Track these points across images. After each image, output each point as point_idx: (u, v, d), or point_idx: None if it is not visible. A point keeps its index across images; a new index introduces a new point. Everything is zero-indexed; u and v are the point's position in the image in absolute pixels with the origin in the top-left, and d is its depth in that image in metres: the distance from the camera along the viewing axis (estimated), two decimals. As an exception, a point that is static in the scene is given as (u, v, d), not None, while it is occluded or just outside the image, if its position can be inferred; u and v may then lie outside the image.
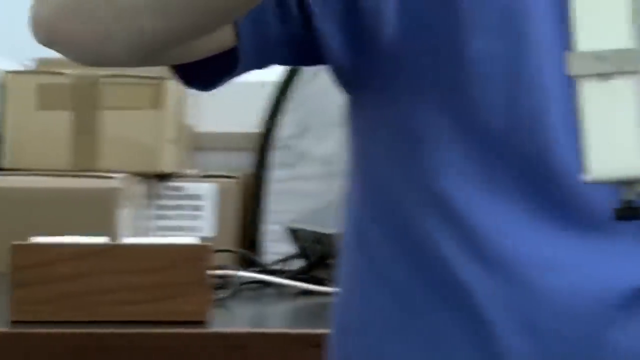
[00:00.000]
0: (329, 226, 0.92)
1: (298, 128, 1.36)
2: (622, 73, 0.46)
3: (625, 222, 0.48)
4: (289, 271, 1.19)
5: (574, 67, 0.47)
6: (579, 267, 0.63)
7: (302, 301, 1.14)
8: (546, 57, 0.63)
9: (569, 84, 0.48)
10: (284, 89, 1.38)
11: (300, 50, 0.67)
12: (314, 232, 1.17)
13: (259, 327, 1.09)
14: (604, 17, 0.46)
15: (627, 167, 0.46)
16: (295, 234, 1.21)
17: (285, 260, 1.23)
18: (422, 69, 0.65)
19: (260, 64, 0.68)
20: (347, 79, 0.68)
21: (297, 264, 1.20)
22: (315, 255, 1.16)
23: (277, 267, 1.22)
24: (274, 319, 1.19)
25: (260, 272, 1.18)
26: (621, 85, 0.46)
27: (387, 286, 0.68)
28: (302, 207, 1.30)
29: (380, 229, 0.68)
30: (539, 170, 0.63)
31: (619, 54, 0.46)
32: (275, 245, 1.31)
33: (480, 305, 0.63)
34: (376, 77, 0.67)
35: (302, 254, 1.20)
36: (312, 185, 1.34)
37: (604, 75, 0.46)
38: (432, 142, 0.65)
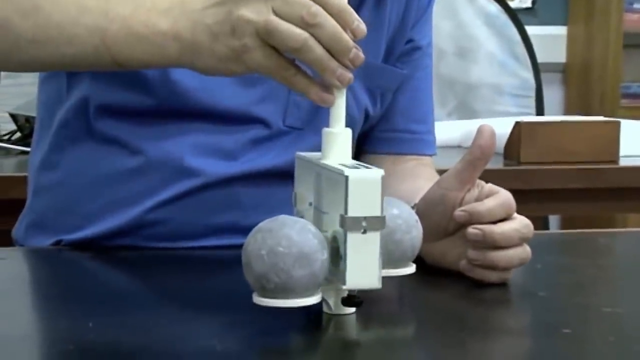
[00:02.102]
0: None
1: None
2: (373, 230, 0.73)
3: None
4: (11, 140, 1.94)
5: (347, 225, 0.72)
6: None
7: (21, 157, 1.78)
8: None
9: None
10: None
11: None
12: (26, 116, 1.89)
13: None
14: (366, 196, 0.72)
15: (370, 281, 0.74)
16: (14, 117, 1.94)
17: (10, 134, 1.96)
18: None
19: None
20: None
21: (16, 135, 1.95)
22: (27, 130, 1.91)
23: (5, 138, 1.94)
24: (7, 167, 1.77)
25: (-7, 141, 1.88)
26: (372, 236, 0.73)
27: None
28: (19, 101, 2.02)
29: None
30: None
31: (372, 219, 0.73)
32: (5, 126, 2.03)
33: None
34: None
35: (18, 129, 1.95)
36: (26, 88, 2.17)
37: (362, 230, 0.73)
38: None
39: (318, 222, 0.77)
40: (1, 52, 0.93)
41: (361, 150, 1.21)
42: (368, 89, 1.14)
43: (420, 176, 1.15)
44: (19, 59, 0.94)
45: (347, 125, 1.06)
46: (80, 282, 0.94)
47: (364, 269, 0.73)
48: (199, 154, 1.04)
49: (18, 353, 0.71)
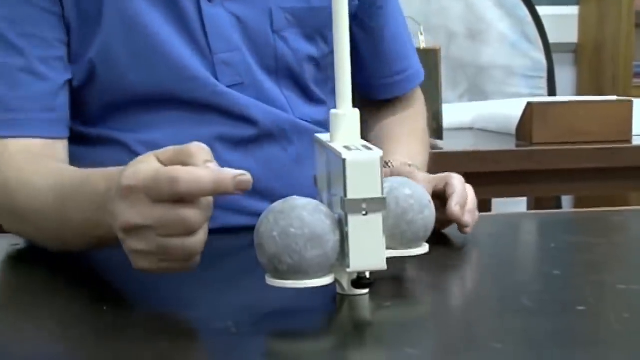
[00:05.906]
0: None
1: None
2: (374, 211, 0.72)
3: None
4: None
5: (347, 207, 0.71)
6: None
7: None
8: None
9: None
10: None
11: None
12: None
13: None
14: (365, 178, 0.71)
15: (374, 262, 0.73)
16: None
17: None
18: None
19: None
20: None
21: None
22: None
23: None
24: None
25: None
26: (374, 218, 0.72)
27: None
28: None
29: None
30: None
31: (372, 200, 0.71)
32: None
33: None
34: None
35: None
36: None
37: (363, 212, 0.72)
38: None
39: (331, 204, 0.76)
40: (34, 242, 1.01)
41: (365, 104, 1.25)
42: (304, 35, 1.13)
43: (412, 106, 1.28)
44: (50, 248, 0.97)
45: (294, 76, 1.11)
46: (93, 266, 0.94)
47: (368, 250, 0.72)
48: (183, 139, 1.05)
49: (33, 336, 0.71)
